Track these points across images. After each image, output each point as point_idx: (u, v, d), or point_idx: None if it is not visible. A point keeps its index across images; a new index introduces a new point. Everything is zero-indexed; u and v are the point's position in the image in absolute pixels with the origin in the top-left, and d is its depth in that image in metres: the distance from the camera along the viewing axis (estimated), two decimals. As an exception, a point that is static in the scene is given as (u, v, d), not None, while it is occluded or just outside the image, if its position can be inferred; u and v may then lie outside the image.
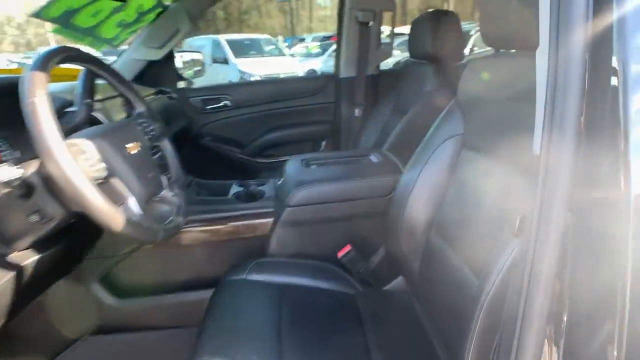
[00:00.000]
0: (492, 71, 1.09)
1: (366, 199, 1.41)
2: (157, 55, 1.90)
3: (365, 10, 2.15)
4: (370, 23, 2.20)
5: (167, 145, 1.16)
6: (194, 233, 1.42)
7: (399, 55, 6.68)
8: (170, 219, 1.06)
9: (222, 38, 10.01)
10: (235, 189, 1.64)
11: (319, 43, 12.57)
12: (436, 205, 1.20)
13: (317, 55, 11.28)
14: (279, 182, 1.57)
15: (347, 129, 2.37)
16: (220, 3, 2.11)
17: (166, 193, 1.10)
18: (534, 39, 0.63)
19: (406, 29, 2.22)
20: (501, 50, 1.07)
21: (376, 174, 1.45)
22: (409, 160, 1.30)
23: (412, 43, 1.95)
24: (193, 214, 1.36)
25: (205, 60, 3.89)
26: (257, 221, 1.46)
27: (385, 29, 2.41)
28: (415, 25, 1.92)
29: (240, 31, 23.95)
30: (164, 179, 1.10)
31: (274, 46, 10.81)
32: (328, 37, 12.83)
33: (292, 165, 1.60)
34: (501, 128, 1.00)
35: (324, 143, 2.49)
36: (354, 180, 1.42)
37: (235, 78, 8.75)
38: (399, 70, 2.21)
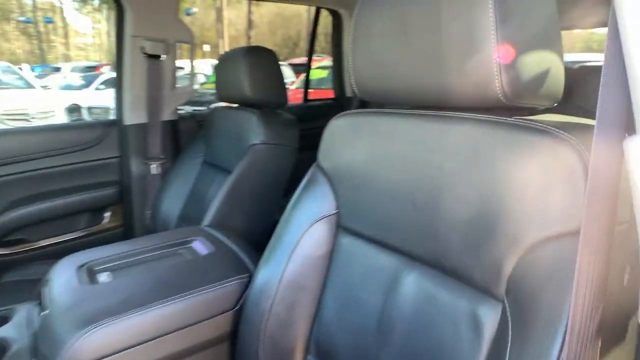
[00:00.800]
0: (371, 131, 0.80)
1: (204, 321, 0.91)
2: None
3: (154, 41, 1.65)
4: (163, 57, 1.71)
5: None
6: None
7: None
8: None
9: None
10: None
11: (81, 74, 10.84)
12: (311, 316, 0.84)
13: (81, 87, 9.64)
14: (42, 315, 0.91)
15: (141, 192, 1.78)
16: None
17: None
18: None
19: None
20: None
21: (213, 278, 0.97)
22: (249, 242, 1.00)
23: (225, 84, 1.57)
24: None
25: None
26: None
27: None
28: (226, 62, 1.55)
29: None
30: None
31: (16, 75, 8.70)
32: (92, 68, 11.28)
33: (63, 279, 0.96)
34: (382, 209, 0.74)
35: (107, 215, 1.81)
36: (181, 299, 0.90)
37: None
38: (206, 116, 1.78)
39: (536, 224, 0.54)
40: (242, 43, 19.98)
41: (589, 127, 0.54)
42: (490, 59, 0.56)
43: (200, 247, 1.11)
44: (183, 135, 1.88)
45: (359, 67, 0.77)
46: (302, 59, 11.55)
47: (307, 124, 1.75)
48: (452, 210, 0.64)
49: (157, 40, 1.65)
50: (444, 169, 0.65)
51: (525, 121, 0.58)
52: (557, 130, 0.54)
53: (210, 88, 8.64)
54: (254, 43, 19.81)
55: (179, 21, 1.72)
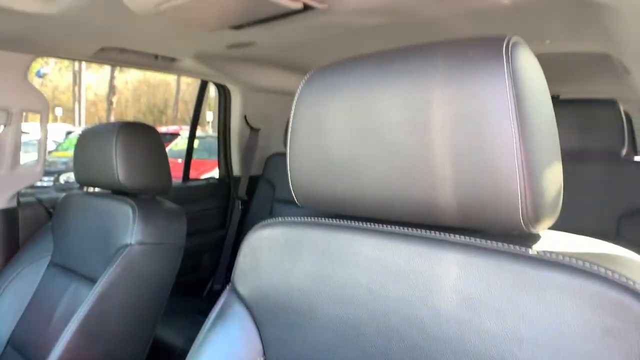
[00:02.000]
0: (314, 249, 0.61)
1: None
2: None
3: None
4: (2, 128, 1.32)
5: None
6: None
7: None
8: None
9: None
10: None
11: None
12: None
13: None
14: None
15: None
16: None
17: None
18: None
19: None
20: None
21: None
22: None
23: (88, 165, 1.25)
24: None
25: None
26: None
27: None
28: (93, 140, 1.25)
29: None
30: None
31: None
32: None
33: None
34: None
35: None
36: None
37: None
38: (58, 202, 1.39)
39: None
40: (102, 109, 18.53)
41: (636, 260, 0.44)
42: (511, 177, 0.43)
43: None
44: (24, 228, 1.44)
45: (299, 166, 0.59)
46: (169, 128, 11.09)
47: (189, 207, 1.49)
48: None
49: (-6, 107, 1.27)
50: (436, 311, 0.48)
51: (550, 254, 0.45)
52: (608, 269, 0.41)
53: (61, 156, 7.59)
54: (116, 109, 18.53)
55: (28, 85, 1.37)
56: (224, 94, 2.14)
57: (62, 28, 1.13)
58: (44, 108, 1.40)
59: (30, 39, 1.21)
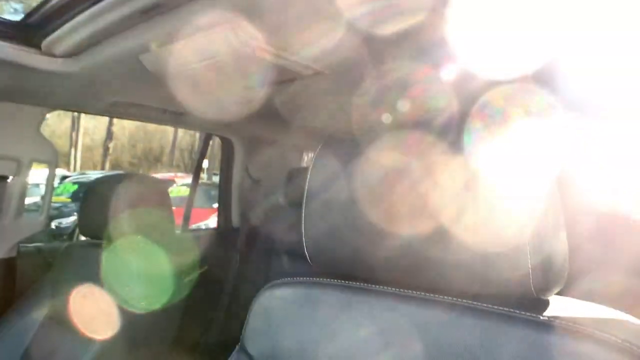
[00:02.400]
0: (329, 310, 0.62)
1: None
2: None
3: (3, 159, 1.29)
4: (10, 178, 1.34)
5: None
6: None
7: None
8: None
9: None
10: None
11: None
12: None
13: None
14: None
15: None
16: None
17: None
18: None
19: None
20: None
21: None
22: None
23: (94, 215, 1.27)
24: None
25: None
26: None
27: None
28: (100, 191, 1.27)
29: None
30: None
31: None
32: None
33: None
34: None
35: None
36: None
37: None
38: (60, 252, 1.38)
39: None
40: (98, 154, 18.61)
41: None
42: (522, 251, 0.46)
43: None
44: (22, 278, 1.42)
45: (314, 227, 0.62)
46: (165, 175, 11.12)
47: (187, 256, 1.49)
48: None
49: (8, 158, 1.30)
50: None
51: (560, 321, 0.47)
52: (618, 337, 0.43)
53: (55, 201, 7.53)
54: (112, 155, 18.62)
55: (40, 136, 1.40)
56: (227, 146, 2.19)
57: (79, 84, 1.18)
58: (53, 159, 1.43)
59: (46, 94, 1.25)
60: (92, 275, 1.22)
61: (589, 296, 0.56)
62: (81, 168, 16.10)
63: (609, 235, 1.19)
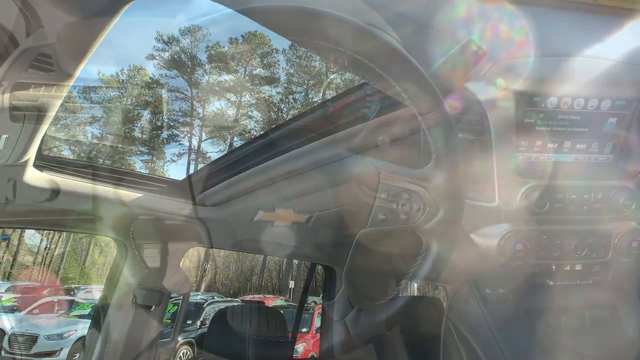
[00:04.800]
0: None
1: None
2: None
3: (148, 290, 1.49)
4: (153, 307, 1.52)
5: None
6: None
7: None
8: None
9: None
10: None
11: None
12: None
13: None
14: None
15: None
16: None
17: None
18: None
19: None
20: None
21: None
22: None
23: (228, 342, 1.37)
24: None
25: None
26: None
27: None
28: (231, 318, 1.39)
29: None
30: None
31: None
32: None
33: None
34: None
35: None
36: None
37: None
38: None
39: None
40: (193, 275, 19.76)
41: None
42: None
43: None
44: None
45: None
46: (254, 296, 11.33)
47: None
48: None
49: (154, 290, 1.50)
50: None
51: None
52: None
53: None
54: (207, 275, 19.66)
55: (180, 270, 1.61)
56: (329, 273, 2.28)
57: (217, 226, 1.40)
58: (188, 289, 1.62)
59: (191, 235, 1.49)
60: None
61: None
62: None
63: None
